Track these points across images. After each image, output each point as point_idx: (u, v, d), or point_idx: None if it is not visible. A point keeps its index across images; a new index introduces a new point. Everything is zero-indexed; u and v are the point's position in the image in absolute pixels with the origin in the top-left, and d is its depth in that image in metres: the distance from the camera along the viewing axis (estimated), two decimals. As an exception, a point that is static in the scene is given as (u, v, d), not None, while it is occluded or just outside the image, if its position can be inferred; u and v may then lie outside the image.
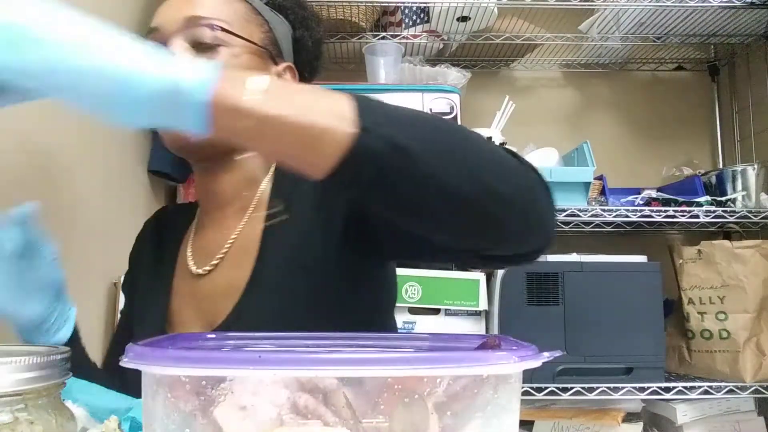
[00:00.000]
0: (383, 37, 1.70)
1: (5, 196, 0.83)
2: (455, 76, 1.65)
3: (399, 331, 0.93)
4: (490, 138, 1.60)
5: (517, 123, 1.69)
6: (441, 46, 1.84)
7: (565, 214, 1.52)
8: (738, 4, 1.60)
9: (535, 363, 0.37)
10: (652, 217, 1.57)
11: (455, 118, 1.52)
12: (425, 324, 1.47)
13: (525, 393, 1.44)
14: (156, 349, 0.36)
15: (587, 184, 1.55)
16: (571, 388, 1.45)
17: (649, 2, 1.61)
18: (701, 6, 1.61)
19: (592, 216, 1.55)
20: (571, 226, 1.65)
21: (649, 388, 1.46)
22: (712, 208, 1.59)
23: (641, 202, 1.64)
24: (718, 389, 1.48)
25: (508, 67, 1.99)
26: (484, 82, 1.95)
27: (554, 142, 1.73)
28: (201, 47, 0.70)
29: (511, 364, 0.36)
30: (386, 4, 1.70)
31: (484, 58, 1.95)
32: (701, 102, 2.00)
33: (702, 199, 1.61)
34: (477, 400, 0.36)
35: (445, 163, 0.45)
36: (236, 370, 0.35)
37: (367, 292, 0.74)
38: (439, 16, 1.66)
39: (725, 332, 1.52)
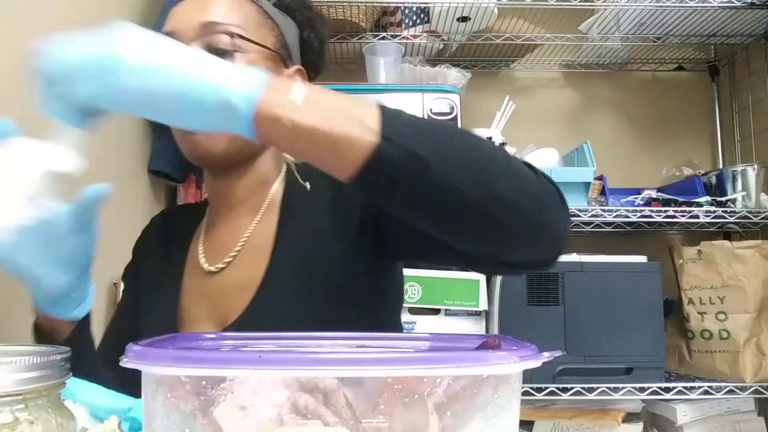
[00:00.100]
0: (383, 37, 1.70)
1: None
2: (455, 76, 1.65)
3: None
4: (504, 144, 1.60)
5: (517, 123, 1.69)
6: (441, 46, 1.84)
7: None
8: (738, 4, 1.60)
9: (535, 363, 0.37)
10: (652, 217, 1.57)
11: (455, 118, 1.52)
12: (425, 324, 1.47)
13: (525, 393, 1.44)
14: (156, 349, 0.36)
15: (587, 184, 1.55)
16: (571, 388, 1.45)
17: (649, 2, 1.61)
18: (701, 6, 1.61)
19: (592, 216, 1.55)
20: (571, 226, 1.65)
21: (649, 388, 1.46)
22: (712, 208, 1.59)
23: (641, 202, 1.64)
24: (718, 389, 1.48)
25: (508, 68, 1.99)
26: (484, 83, 1.95)
27: (554, 142, 1.73)
28: (217, 53, 0.71)
29: (511, 364, 0.36)
30: (386, 4, 1.70)
31: (484, 58, 1.95)
32: (701, 102, 2.00)
33: (702, 200, 1.61)
34: (477, 400, 0.36)
35: (458, 171, 0.48)
36: (236, 370, 0.35)
37: (377, 292, 0.76)
38: (439, 16, 1.66)
39: (725, 332, 1.52)
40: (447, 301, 1.48)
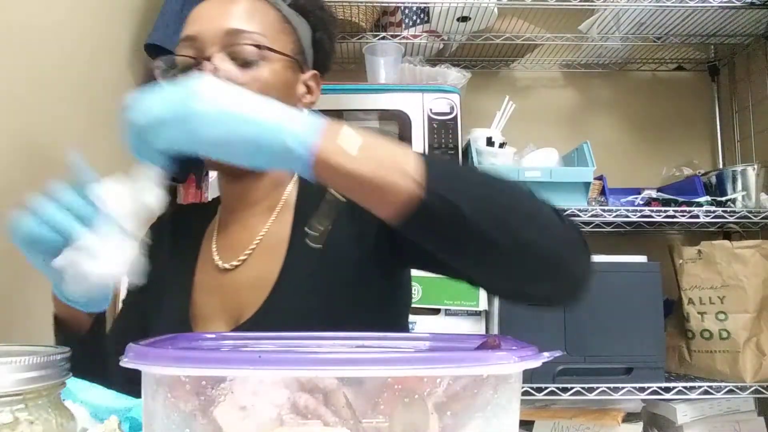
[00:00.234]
0: (383, 37, 1.70)
1: (5, 196, 0.83)
2: (455, 76, 1.65)
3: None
4: (504, 144, 1.60)
5: (517, 123, 1.69)
6: (441, 46, 1.84)
7: (565, 214, 1.51)
8: (738, 4, 1.60)
9: (535, 363, 0.37)
10: (652, 217, 1.57)
11: (455, 118, 1.52)
12: (425, 324, 1.47)
13: (525, 393, 1.44)
14: (156, 349, 0.36)
15: (587, 184, 1.54)
16: (571, 388, 1.45)
17: (649, 2, 1.61)
18: (701, 6, 1.61)
19: (592, 216, 1.55)
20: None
21: (649, 388, 1.46)
22: (712, 208, 1.59)
23: (641, 202, 1.64)
24: (718, 389, 1.48)
25: (508, 67, 1.99)
26: (484, 82, 1.95)
27: (554, 142, 1.73)
28: (241, 60, 0.73)
29: (511, 364, 0.36)
30: (386, 4, 1.70)
31: (484, 58, 1.95)
32: (701, 102, 2.00)
33: (702, 199, 1.61)
34: (477, 400, 0.36)
35: (489, 219, 0.53)
36: (236, 370, 0.35)
37: (389, 294, 0.77)
38: (439, 16, 1.66)
39: (725, 332, 1.52)
40: (447, 301, 1.47)
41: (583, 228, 1.66)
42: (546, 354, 0.38)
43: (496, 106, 1.65)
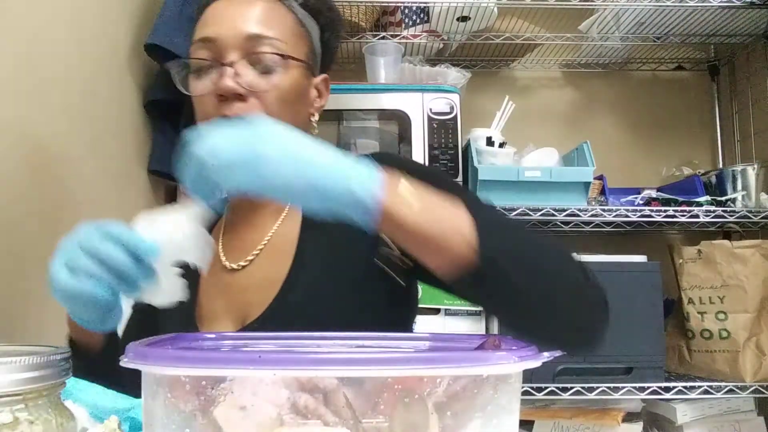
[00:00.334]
0: (383, 37, 1.70)
1: (5, 196, 0.83)
2: (455, 76, 1.65)
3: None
4: (504, 144, 1.60)
5: (517, 123, 1.69)
6: (441, 46, 1.84)
7: (565, 214, 1.52)
8: (738, 4, 1.60)
9: (535, 363, 0.37)
10: (652, 217, 1.57)
11: (455, 118, 1.52)
12: (425, 324, 1.47)
13: (525, 393, 1.44)
14: (156, 349, 0.36)
15: (587, 184, 1.54)
16: (571, 388, 1.45)
17: (649, 2, 1.61)
18: (701, 6, 1.61)
19: (592, 216, 1.55)
20: (571, 226, 1.65)
21: (649, 387, 1.46)
22: (712, 208, 1.58)
23: (641, 202, 1.64)
24: (718, 389, 1.48)
25: (508, 67, 1.99)
26: (484, 82, 1.95)
27: (554, 142, 1.73)
28: (261, 67, 0.73)
29: (511, 364, 0.36)
30: (386, 4, 1.70)
31: (484, 58, 1.95)
32: (701, 102, 2.00)
33: (702, 199, 1.60)
34: (477, 400, 0.36)
35: (527, 279, 0.57)
36: (236, 370, 0.35)
37: (397, 296, 0.77)
38: (439, 16, 1.66)
39: (725, 332, 1.52)
40: (447, 300, 1.47)
41: (583, 228, 1.66)
42: (546, 354, 0.38)
43: (496, 105, 1.65)
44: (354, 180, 0.52)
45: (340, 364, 0.35)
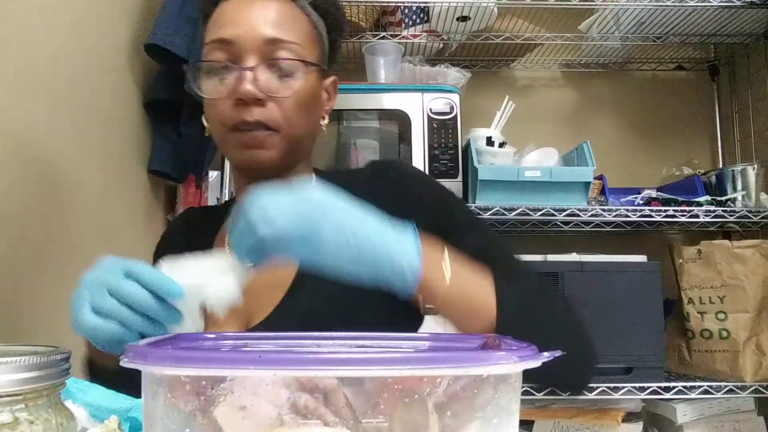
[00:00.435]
0: (383, 37, 1.70)
1: (5, 196, 0.83)
2: (455, 75, 1.65)
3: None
4: (504, 143, 1.60)
5: (517, 123, 1.69)
6: (441, 45, 1.84)
7: (565, 214, 1.52)
8: (738, 4, 1.60)
9: (535, 363, 0.37)
10: (652, 216, 1.57)
11: (455, 118, 1.52)
12: (425, 324, 1.47)
13: (525, 393, 1.44)
14: (156, 349, 0.36)
15: (587, 184, 1.54)
16: (571, 387, 1.45)
17: (649, 2, 1.61)
18: (701, 6, 1.61)
19: (592, 216, 1.55)
20: (571, 226, 1.65)
21: (649, 387, 1.46)
22: (712, 207, 1.59)
23: (641, 202, 1.64)
24: (718, 389, 1.48)
25: (508, 67, 1.99)
26: (484, 82, 1.95)
27: (554, 142, 1.73)
28: (279, 71, 0.73)
29: (511, 364, 0.36)
30: (386, 4, 1.70)
31: (484, 57, 1.95)
32: (701, 102, 2.00)
33: (702, 199, 1.61)
34: (477, 400, 0.36)
35: (536, 333, 0.59)
36: (236, 370, 0.35)
37: (405, 301, 0.76)
38: (439, 16, 1.66)
39: (725, 332, 1.52)
40: (447, 300, 1.47)
41: (583, 228, 1.66)
42: (546, 354, 0.38)
43: (496, 105, 1.65)
44: (405, 255, 0.56)
45: (340, 364, 0.35)
